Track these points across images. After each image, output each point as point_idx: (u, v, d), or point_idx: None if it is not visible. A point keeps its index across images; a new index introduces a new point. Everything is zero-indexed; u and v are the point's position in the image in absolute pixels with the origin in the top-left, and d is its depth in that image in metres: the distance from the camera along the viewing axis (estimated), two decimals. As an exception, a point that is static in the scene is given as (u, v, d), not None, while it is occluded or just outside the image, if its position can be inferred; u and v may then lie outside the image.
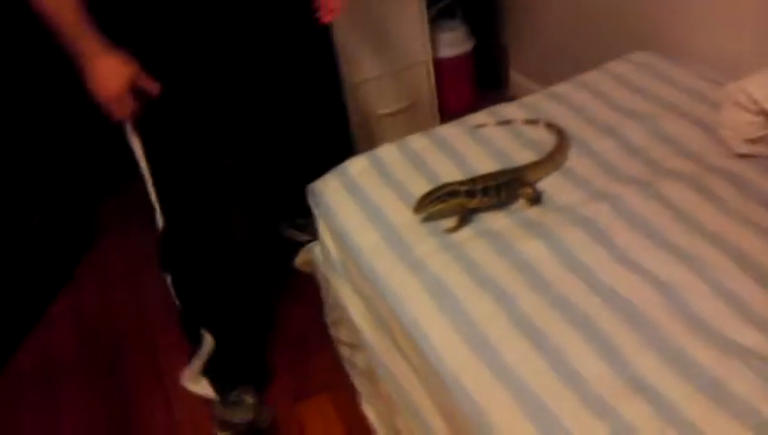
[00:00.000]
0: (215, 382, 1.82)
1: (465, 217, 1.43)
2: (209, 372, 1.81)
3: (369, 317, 1.48)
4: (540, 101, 1.79)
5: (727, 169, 1.43)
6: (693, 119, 1.59)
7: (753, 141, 1.45)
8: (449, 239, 1.40)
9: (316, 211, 1.65)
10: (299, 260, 1.88)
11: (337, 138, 2.16)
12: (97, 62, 1.43)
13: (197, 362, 1.79)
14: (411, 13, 2.51)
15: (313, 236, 1.74)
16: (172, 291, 1.76)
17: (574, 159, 1.56)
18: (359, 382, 1.72)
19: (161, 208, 1.66)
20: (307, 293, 1.99)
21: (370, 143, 2.40)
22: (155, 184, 1.63)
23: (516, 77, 2.90)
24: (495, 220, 1.44)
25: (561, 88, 1.83)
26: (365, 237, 1.46)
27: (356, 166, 1.65)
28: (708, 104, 1.62)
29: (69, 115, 2.52)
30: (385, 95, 2.61)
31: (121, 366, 2.09)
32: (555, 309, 1.20)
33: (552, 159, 1.55)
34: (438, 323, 1.23)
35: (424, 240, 1.40)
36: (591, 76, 1.85)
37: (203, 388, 1.83)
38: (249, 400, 1.81)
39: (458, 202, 1.43)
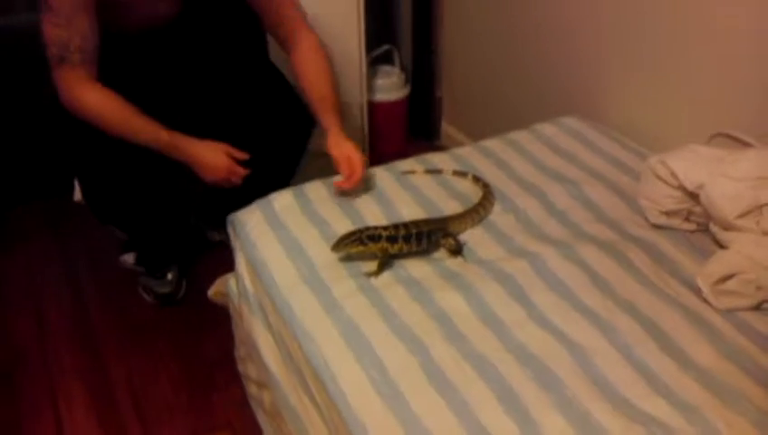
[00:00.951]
0: (145, 266, 2.24)
1: (386, 262, 1.42)
2: (140, 262, 2.24)
3: (279, 355, 1.44)
4: (469, 155, 1.81)
5: (644, 238, 1.47)
6: (614, 187, 1.64)
7: (668, 214, 1.50)
8: (368, 283, 1.38)
9: (235, 242, 1.61)
10: (213, 291, 1.82)
11: (284, 165, 2.14)
12: (193, 149, 1.75)
13: (130, 257, 2.25)
14: (351, 53, 2.52)
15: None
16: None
17: (498, 215, 1.58)
18: (263, 422, 1.66)
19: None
20: (219, 324, 1.93)
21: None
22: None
23: (448, 129, 2.94)
24: (416, 268, 1.43)
25: (491, 143, 1.85)
26: (283, 273, 1.42)
27: (280, 200, 1.63)
28: (629, 174, 1.67)
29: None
30: (316, 133, 2.59)
31: (16, 385, 1.96)
32: (468, 362, 1.19)
33: (477, 212, 1.56)
34: (349, 368, 1.20)
35: (342, 282, 1.38)
36: (520, 135, 1.88)
37: (133, 265, 2.26)
38: (170, 275, 2.20)
39: (379, 247, 1.42)
